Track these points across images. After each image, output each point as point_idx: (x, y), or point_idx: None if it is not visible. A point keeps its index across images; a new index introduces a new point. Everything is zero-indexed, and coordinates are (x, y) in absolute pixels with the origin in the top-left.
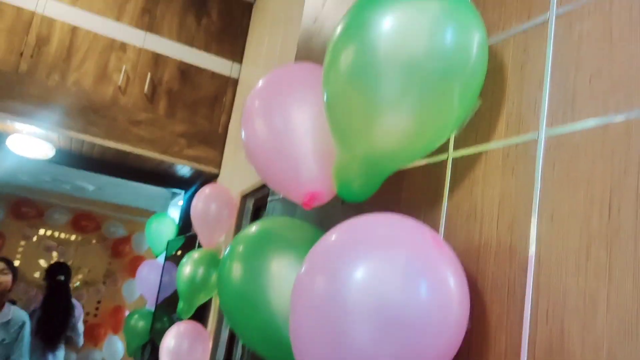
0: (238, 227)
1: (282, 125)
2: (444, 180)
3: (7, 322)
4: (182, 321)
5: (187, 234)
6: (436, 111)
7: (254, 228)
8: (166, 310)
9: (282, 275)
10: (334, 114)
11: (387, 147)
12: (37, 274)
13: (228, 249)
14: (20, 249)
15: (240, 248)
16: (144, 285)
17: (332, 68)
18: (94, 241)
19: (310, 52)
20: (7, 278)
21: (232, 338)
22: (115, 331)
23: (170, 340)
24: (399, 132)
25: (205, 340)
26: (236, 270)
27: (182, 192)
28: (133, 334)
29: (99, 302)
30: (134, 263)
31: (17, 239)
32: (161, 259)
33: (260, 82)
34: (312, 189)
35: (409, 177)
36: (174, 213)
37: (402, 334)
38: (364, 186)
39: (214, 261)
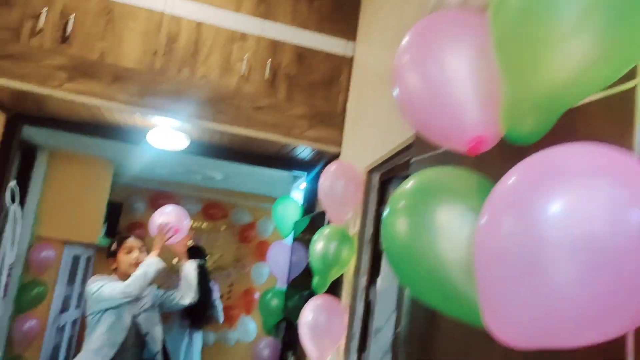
0: (365, 203)
1: (439, 74)
2: (632, 113)
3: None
4: (318, 295)
5: (312, 214)
6: (625, 32)
7: (414, 181)
8: (297, 288)
9: (450, 226)
10: (505, 49)
11: (565, 78)
12: (174, 261)
13: (389, 205)
14: None
15: (403, 202)
16: (274, 266)
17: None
18: (223, 228)
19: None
20: (144, 256)
21: (367, 311)
22: (248, 312)
23: (308, 314)
24: (580, 59)
25: (341, 313)
26: (401, 225)
27: (304, 174)
28: (268, 312)
29: (230, 285)
30: (260, 248)
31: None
32: (289, 240)
33: (409, 36)
34: (478, 133)
35: (586, 113)
36: (297, 196)
37: (611, 270)
38: (536, 125)
39: (344, 237)
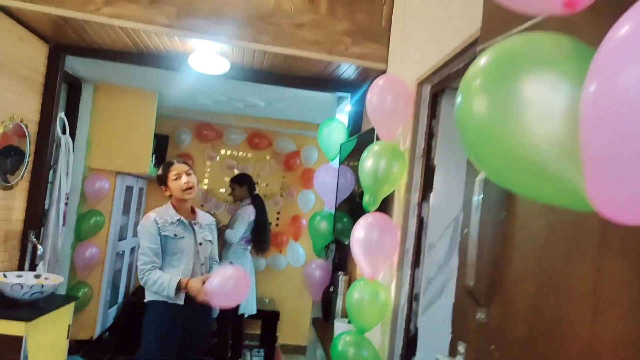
0: (416, 117)
1: None
2: None
3: (210, 224)
4: (370, 213)
5: (359, 133)
6: None
7: (489, 55)
8: (345, 211)
9: (540, 99)
10: None
11: None
12: (222, 190)
13: (461, 90)
14: (207, 169)
15: (479, 80)
16: (321, 189)
17: None
18: (268, 157)
19: None
20: (193, 179)
21: (420, 228)
22: (296, 238)
23: (360, 232)
24: None
25: (394, 231)
26: (479, 106)
27: (349, 95)
28: (317, 235)
29: (278, 212)
30: (305, 175)
31: (203, 160)
32: (335, 163)
33: None
34: None
35: None
36: (342, 119)
37: None
38: None
39: (395, 153)
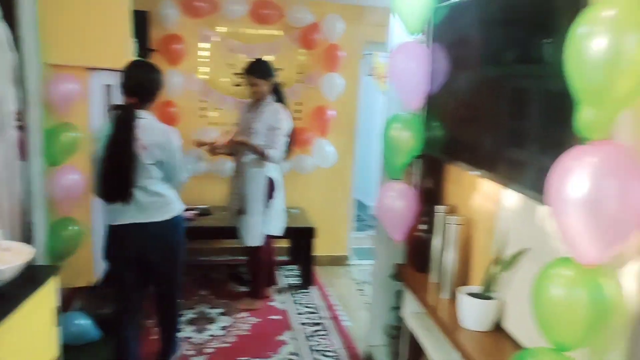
0: None
1: None
2: None
3: None
4: (592, 144)
5: None
6: None
7: None
8: (438, 112)
9: None
10: None
11: None
12: (225, 79)
13: None
14: (202, 53)
15: None
16: (399, 80)
17: None
18: (279, 34)
19: None
20: None
21: None
22: (322, 134)
23: (576, 183)
24: None
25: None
26: None
27: None
28: (395, 149)
29: (299, 104)
30: (329, 54)
31: (195, 41)
32: (421, 39)
33: None
34: None
35: None
36: None
37: None
38: None
39: None
